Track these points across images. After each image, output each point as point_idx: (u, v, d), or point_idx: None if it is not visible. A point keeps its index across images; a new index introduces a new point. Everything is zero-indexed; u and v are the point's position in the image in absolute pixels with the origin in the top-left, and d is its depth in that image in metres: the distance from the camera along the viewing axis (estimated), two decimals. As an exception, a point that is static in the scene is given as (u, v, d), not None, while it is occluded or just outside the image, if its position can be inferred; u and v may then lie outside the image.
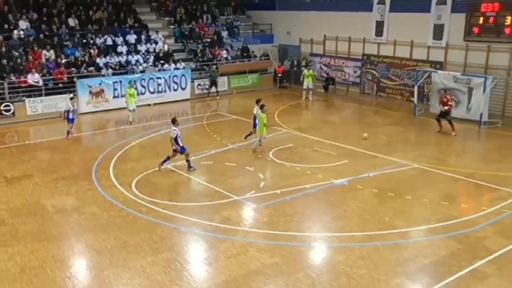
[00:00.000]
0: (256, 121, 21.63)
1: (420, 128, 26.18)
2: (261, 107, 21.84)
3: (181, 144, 19.17)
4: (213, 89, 33.48)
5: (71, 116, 24.36)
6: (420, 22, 29.97)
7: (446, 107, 24.47)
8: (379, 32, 32.76)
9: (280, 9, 39.55)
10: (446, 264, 12.67)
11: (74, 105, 24.74)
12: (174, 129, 19.11)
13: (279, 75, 36.87)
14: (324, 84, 35.15)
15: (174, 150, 19.27)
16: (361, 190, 17.48)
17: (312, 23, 36.49)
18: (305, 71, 33.16)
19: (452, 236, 14.11)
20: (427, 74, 28.37)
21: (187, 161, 19.49)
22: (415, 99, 28.36)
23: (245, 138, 22.53)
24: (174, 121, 19.48)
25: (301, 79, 33.55)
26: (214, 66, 34.32)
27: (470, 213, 15.57)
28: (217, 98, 33.44)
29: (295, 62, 38.02)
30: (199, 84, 33.90)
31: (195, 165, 19.62)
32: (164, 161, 19.54)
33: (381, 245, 13.73)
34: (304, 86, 32.80)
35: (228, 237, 14.24)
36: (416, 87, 28.30)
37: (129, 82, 29.56)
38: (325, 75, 35.58)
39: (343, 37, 34.90)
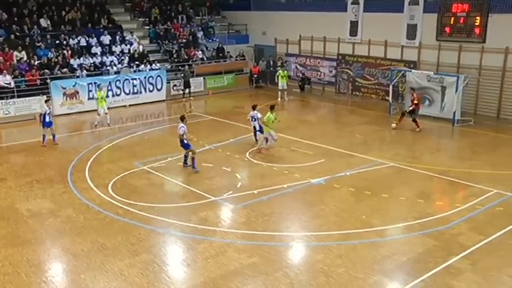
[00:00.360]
0: (256, 125, 22.02)
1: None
2: (272, 108, 21.86)
3: (185, 142, 19.25)
4: (187, 90, 33.41)
5: (47, 119, 23.53)
6: (394, 22, 30.24)
7: (412, 106, 25.06)
8: (353, 31, 32.97)
9: (255, 9, 39.60)
10: (423, 261, 12.79)
11: (49, 108, 24.24)
12: (182, 126, 19.19)
13: (255, 75, 36.94)
14: (300, 84, 35.27)
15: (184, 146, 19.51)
16: (338, 189, 17.57)
17: (287, 23, 36.59)
18: (280, 71, 33.17)
19: (428, 233, 14.25)
20: (401, 73, 28.61)
21: (192, 159, 19.48)
22: (390, 98, 28.60)
23: (258, 150, 21.84)
24: (182, 118, 19.66)
25: (276, 80, 33.52)
26: (187, 67, 34.23)
27: (445, 211, 15.75)
28: (191, 99, 33.36)
29: (271, 62, 38.10)
30: (174, 85, 33.79)
31: (199, 168, 19.44)
32: (185, 161, 19.80)
33: (359, 244, 13.81)
34: (280, 87, 32.80)
35: (206, 238, 14.23)
36: (391, 87, 28.55)
37: (98, 85, 29.43)
38: (301, 75, 35.69)
39: (318, 37, 35.06)
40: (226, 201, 16.70)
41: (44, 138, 23.52)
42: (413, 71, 28.31)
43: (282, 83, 32.70)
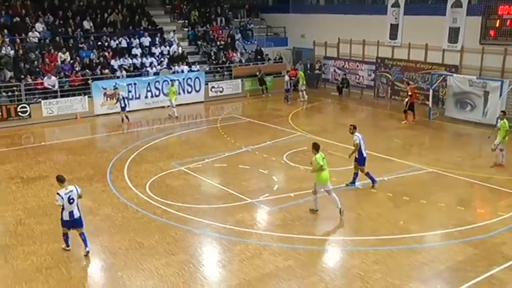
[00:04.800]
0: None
1: (435, 131, 26.01)
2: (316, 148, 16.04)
3: (364, 155, 17.74)
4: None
5: (123, 104, 26.92)
6: (435, 25, 29.75)
7: (407, 99, 26.77)
8: (393, 35, 32.60)
9: (294, 12, 39.50)
10: (462, 270, 12.54)
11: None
12: (356, 136, 17.58)
13: (293, 78, 36.83)
14: (339, 86, 35.10)
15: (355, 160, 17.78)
16: (376, 194, 17.41)
17: (326, 26, 36.37)
18: (300, 73, 33.31)
19: (468, 242, 13.98)
20: (442, 78, 28.20)
21: (357, 174, 17.90)
22: (429, 103, 28.22)
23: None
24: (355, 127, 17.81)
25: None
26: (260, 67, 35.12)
27: (487, 219, 15.44)
28: (269, 95, 34.52)
29: (309, 65, 38.01)
30: (213, 87, 33.96)
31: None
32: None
33: (396, 249, 13.65)
34: (300, 88, 33.04)
35: (242, 240, 14.24)
36: (431, 91, 28.16)
37: (171, 80, 30.38)
38: (340, 78, 35.52)
39: (357, 40, 34.78)
40: (263, 203, 16.69)
41: (126, 119, 27.10)
42: (454, 75, 27.87)
43: (301, 83, 33.16)
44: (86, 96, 29.59)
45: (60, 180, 13.57)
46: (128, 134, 26.59)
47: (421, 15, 30.60)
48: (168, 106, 29.96)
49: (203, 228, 15.04)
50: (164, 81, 31.79)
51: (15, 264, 13.22)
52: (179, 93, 31.65)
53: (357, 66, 35.10)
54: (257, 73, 35.42)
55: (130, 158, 21.62)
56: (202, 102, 33.00)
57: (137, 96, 31.06)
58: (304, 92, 33.34)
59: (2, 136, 25.53)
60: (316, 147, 15.72)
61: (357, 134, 17.69)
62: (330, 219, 15.82)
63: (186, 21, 38.83)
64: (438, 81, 28.22)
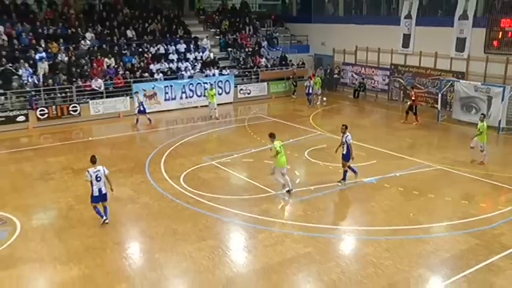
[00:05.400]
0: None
1: (443, 132, 25.77)
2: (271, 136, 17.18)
3: (350, 152, 17.45)
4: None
5: (142, 108, 26.81)
6: (444, 35, 29.55)
7: (410, 101, 26.98)
8: (406, 43, 32.40)
9: (315, 22, 39.37)
10: (465, 258, 12.52)
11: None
12: (348, 136, 17.46)
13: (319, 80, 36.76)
14: (356, 90, 34.96)
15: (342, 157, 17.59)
16: (388, 188, 17.35)
17: (344, 35, 36.26)
18: (317, 78, 33.07)
19: (471, 233, 13.93)
20: (450, 83, 27.95)
21: (347, 171, 17.69)
22: (438, 106, 27.99)
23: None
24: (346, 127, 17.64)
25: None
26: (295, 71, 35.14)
27: (488, 212, 15.34)
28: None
29: (328, 70, 37.90)
30: (241, 89, 34.05)
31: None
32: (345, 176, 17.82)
33: (405, 239, 13.63)
34: (316, 93, 32.80)
35: (266, 228, 14.30)
36: (440, 95, 27.90)
37: (210, 84, 30.51)
38: (357, 83, 35.37)
39: (373, 48, 34.60)
40: (286, 195, 16.73)
41: (137, 121, 27.06)
42: (461, 81, 27.63)
43: (316, 89, 32.89)
44: (128, 97, 29.88)
45: (92, 161, 14.48)
46: (164, 132, 26.79)
47: (431, 26, 30.40)
48: (201, 106, 30.18)
49: (231, 217, 15.14)
50: (197, 83, 31.95)
51: (67, 244, 13.55)
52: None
53: (373, 71, 34.91)
54: (291, 76, 35.47)
55: (167, 153, 21.79)
56: (231, 103, 33.05)
57: (173, 97, 31.24)
58: (320, 96, 33.10)
59: (56, 132, 25.95)
60: (272, 136, 16.88)
61: (348, 134, 17.60)
62: (346, 211, 15.87)
63: (218, 29, 38.90)
64: (446, 87, 27.96)
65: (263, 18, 41.98)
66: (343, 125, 17.83)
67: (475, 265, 12.15)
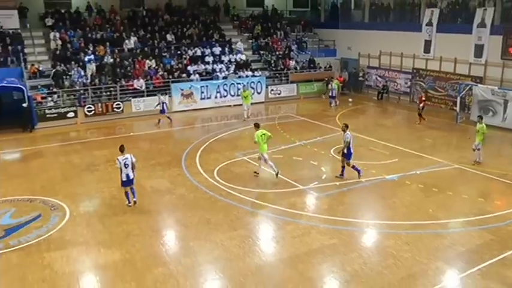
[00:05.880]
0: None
1: (461, 133, 25.20)
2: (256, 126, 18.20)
3: (351, 151, 17.35)
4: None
5: (163, 108, 26.52)
6: (463, 42, 28.99)
7: (421, 104, 26.73)
8: (427, 49, 31.86)
9: (342, 28, 38.98)
10: (480, 252, 12.31)
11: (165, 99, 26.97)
12: (348, 134, 17.27)
13: (340, 84, 36.37)
14: (380, 92, 34.56)
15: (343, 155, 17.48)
16: (409, 185, 17.08)
17: (369, 40, 35.84)
18: (336, 81, 32.60)
19: (486, 228, 13.67)
20: (468, 87, 27.44)
21: (344, 167, 17.57)
22: (457, 109, 27.49)
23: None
24: (347, 126, 17.51)
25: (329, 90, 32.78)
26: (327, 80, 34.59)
27: (503, 209, 15.02)
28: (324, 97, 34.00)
29: (353, 73, 37.55)
30: (272, 90, 33.95)
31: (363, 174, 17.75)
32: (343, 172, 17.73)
33: (424, 233, 13.43)
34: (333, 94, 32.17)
35: (294, 220, 14.24)
36: (459, 98, 27.40)
37: (243, 86, 30.42)
38: (381, 85, 34.97)
39: (396, 53, 34.10)
40: (312, 190, 16.63)
41: (159, 121, 26.63)
42: (479, 85, 27.08)
43: (330, 92, 32.30)
44: (167, 96, 30.09)
45: (121, 149, 15.03)
46: (200, 128, 26.91)
47: (451, 33, 29.86)
48: (234, 105, 30.21)
49: (261, 209, 15.13)
50: (231, 84, 31.99)
51: (110, 230, 13.75)
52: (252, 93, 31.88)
53: (395, 75, 34.40)
54: (325, 78, 35.25)
55: (202, 148, 21.85)
56: (263, 102, 32.95)
57: (208, 96, 31.34)
58: (335, 99, 32.41)
59: (101, 127, 26.29)
60: (256, 126, 18.00)
61: (348, 132, 17.36)
62: (369, 206, 15.68)
63: (251, 34, 38.85)
64: (465, 90, 27.43)
65: (293, 23, 41.79)
66: (344, 124, 17.70)
67: (489, 259, 11.93)
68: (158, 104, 26.92)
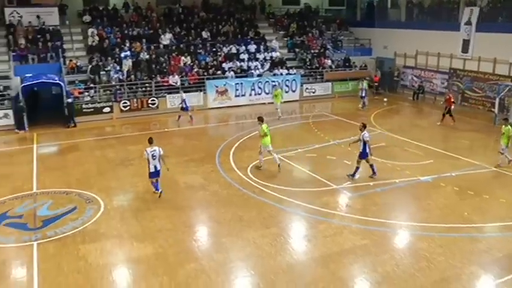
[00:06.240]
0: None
1: (499, 135, 24.46)
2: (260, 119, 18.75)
3: (367, 150, 17.16)
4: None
5: (184, 105, 26.56)
6: (503, 42, 28.25)
7: (450, 105, 26.04)
8: (465, 49, 31.20)
9: (378, 26, 38.54)
10: (518, 259, 11.99)
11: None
12: (365, 133, 17.07)
13: (375, 83, 36.05)
14: (416, 92, 34.07)
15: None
16: (444, 187, 16.80)
17: (406, 39, 35.34)
18: (364, 82, 32.06)
19: (525, 234, 13.30)
20: (508, 88, 26.75)
21: (373, 165, 17.55)
22: (496, 110, 26.87)
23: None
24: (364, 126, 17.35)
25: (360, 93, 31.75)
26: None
27: (543, 215, 14.59)
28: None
29: (389, 73, 37.08)
30: (307, 88, 33.84)
31: (378, 173, 17.59)
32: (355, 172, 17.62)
33: (459, 237, 13.19)
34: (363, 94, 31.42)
35: (326, 219, 14.19)
36: (497, 99, 26.77)
37: (274, 86, 30.45)
38: (417, 85, 34.45)
39: (432, 52, 33.51)
40: (345, 189, 16.54)
41: (179, 117, 26.73)
42: (519, 86, 26.45)
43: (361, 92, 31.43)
44: (201, 92, 30.34)
45: (150, 141, 15.57)
46: (234, 126, 26.99)
47: (491, 33, 29.11)
48: (269, 103, 30.20)
49: (293, 207, 15.10)
50: (266, 82, 32.01)
51: (144, 224, 13.95)
52: (284, 91, 31.83)
53: (432, 75, 33.84)
54: (366, 77, 34.43)
55: (235, 145, 21.96)
56: (297, 100, 32.89)
57: (243, 93, 31.47)
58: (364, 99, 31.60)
59: (136, 123, 26.68)
60: (260, 119, 18.48)
61: (365, 132, 17.17)
62: (402, 207, 15.49)
63: (286, 32, 38.77)
64: (504, 91, 26.77)
65: (329, 22, 41.52)
66: (362, 123, 17.50)
67: (527, 266, 11.59)
68: (183, 101, 27.05)
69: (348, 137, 22.81)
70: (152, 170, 15.45)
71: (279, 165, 18.32)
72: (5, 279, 11.36)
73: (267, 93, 31.83)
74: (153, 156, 15.30)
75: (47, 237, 13.20)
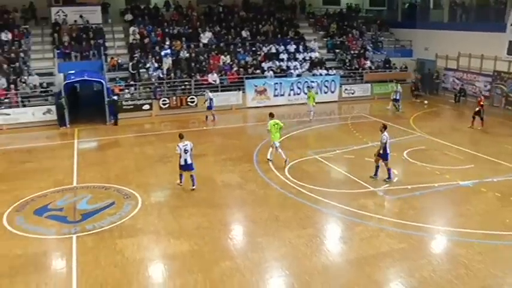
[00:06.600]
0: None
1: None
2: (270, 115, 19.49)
3: (387, 151, 16.96)
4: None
5: (209, 105, 26.90)
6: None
7: (479, 107, 25.31)
8: (511, 51, 30.35)
9: (419, 27, 37.86)
10: None
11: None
12: (385, 135, 16.84)
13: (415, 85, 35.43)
14: (457, 95, 33.36)
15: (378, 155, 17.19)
16: (485, 193, 16.35)
17: (448, 41, 34.56)
18: (394, 85, 31.36)
19: None
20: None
21: (390, 169, 17.26)
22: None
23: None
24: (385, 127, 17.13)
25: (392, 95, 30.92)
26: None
27: None
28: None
29: (429, 75, 36.41)
30: (346, 89, 33.58)
31: (394, 177, 17.42)
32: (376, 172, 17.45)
33: (500, 244, 12.81)
34: (392, 97, 30.56)
35: (363, 222, 14.03)
36: (545, 103, 26.02)
37: (308, 87, 30.39)
38: (458, 88, 33.72)
39: (476, 54, 32.72)
40: (383, 192, 16.31)
41: (214, 117, 26.87)
42: None
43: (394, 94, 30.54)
44: (240, 92, 30.46)
45: (180, 137, 16.29)
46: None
47: (540, 34, 28.23)
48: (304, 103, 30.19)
49: (330, 208, 14.99)
50: (305, 82, 31.92)
51: (180, 222, 14.08)
52: (316, 93, 31.67)
53: (474, 77, 33.05)
54: (413, 80, 34.69)
55: (273, 145, 21.95)
56: (336, 101, 32.68)
57: (282, 93, 31.46)
58: (395, 103, 30.90)
59: (175, 120, 26.99)
60: (271, 115, 19.35)
61: (385, 133, 16.90)
62: (441, 212, 15.19)
63: (326, 32, 38.57)
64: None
65: (369, 22, 41.13)
66: (382, 124, 17.36)
67: None
68: (206, 101, 27.19)
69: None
70: (183, 163, 16.06)
71: (285, 161, 18.79)
72: (46, 270, 11.69)
73: (306, 94, 31.61)
74: (185, 150, 15.93)
75: (85, 230, 13.50)
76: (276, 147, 18.99)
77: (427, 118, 28.52)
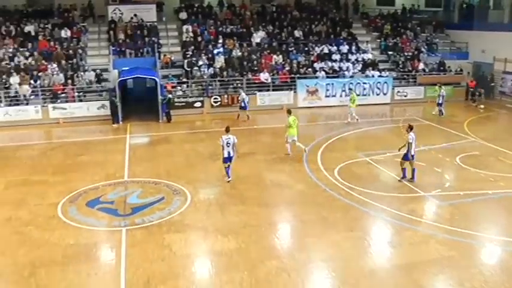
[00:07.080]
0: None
1: None
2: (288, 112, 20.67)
3: (412, 152, 16.94)
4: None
5: (243, 105, 27.12)
6: None
7: None
8: None
9: (477, 29, 36.61)
10: None
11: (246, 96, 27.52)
12: (411, 135, 16.85)
13: (471, 89, 34.44)
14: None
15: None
16: (544, 202, 15.75)
17: (507, 43, 33.30)
18: (437, 88, 30.24)
19: None
20: None
21: (412, 170, 17.25)
22: None
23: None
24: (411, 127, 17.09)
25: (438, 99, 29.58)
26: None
27: None
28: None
29: (488, 78, 35.25)
30: (398, 91, 33.00)
31: (417, 178, 17.26)
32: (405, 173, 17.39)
33: (559, 257, 12.33)
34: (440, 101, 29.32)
35: (412, 227, 13.76)
36: None
37: (350, 89, 30.08)
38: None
39: (537, 57, 31.53)
40: (434, 197, 15.93)
41: (248, 117, 27.04)
42: None
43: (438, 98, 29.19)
44: (292, 91, 30.43)
45: (227, 130, 16.95)
46: (323, 126, 26.73)
47: None
48: (359, 105, 29.82)
49: (379, 212, 14.79)
50: (357, 83, 31.58)
51: (228, 218, 14.22)
52: (368, 94, 31.42)
53: (535, 82, 31.88)
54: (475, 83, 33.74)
55: (324, 146, 21.82)
56: (388, 104, 32.17)
57: (333, 94, 31.24)
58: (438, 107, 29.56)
59: (226, 118, 27.13)
60: (289, 112, 20.28)
61: (411, 133, 16.73)
62: (494, 220, 14.70)
63: (380, 33, 38.03)
64: None
65: (424, 24, 40.24)
66: (408, 124, 17.28)
67: None
68: (242, 101, 27.27)
69: (439, 143, 22.12)
70: (226, 155, 16.65)
71: (305, 149, 20.02)
72: (96, 260, 12.07)
73: (358, 95, 31.27)
74: (227, 143, 16.53)
75: (135, 224, 13.83)
76: (294, 140, 19.85)
77: (482, 123, 27.67)
